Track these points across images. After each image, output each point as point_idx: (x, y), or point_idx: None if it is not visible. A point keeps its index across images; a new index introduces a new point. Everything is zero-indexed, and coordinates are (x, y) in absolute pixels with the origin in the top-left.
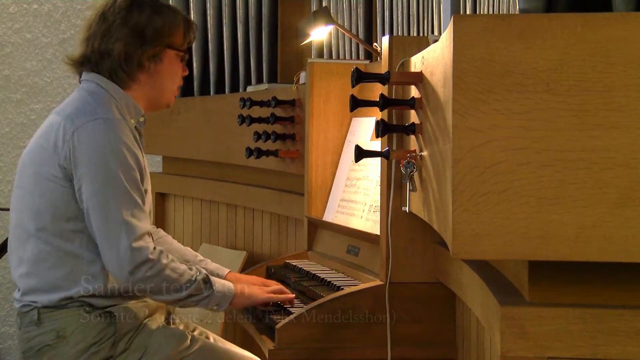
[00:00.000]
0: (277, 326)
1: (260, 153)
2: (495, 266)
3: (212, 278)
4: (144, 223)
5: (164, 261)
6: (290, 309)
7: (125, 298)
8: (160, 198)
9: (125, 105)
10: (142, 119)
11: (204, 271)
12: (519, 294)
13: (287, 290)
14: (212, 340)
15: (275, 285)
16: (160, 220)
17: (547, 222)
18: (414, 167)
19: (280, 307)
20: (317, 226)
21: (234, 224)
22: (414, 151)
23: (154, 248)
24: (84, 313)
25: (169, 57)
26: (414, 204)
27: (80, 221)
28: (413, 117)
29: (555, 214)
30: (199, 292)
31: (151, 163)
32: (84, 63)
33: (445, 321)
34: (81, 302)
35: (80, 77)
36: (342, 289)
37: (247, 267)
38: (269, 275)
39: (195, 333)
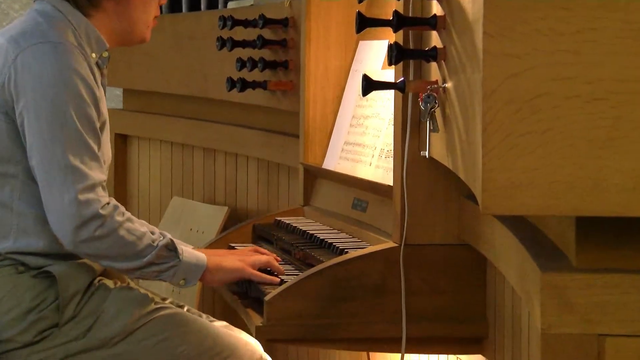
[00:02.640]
0: (267, 298)
1: (244, 85)
2: (535, 224)
3: (179, 245)
4: (97, 172)
5: (118, 219)
6: (283, 278)
7: (66, 257)
8: (121, 141)
9: (85, 34)
10: (105, 54)
11: (168, 236)
12: (564, 257)
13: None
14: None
15: (266, 257)
16: (120, 169)
17: (599, 170)
18: (436, 102)
19: (269, 274)
20: (315, 176)
21: (213, 173)
22: (436, 82)
23: (107, 203)
24: (16, 273)
25: None
26: (435, 148)
27: (14, 164)
28: (434, 39)
29: (610, 159)
30: (162, 260)
31: (110, 97)
32: None
33: (473, 292)
34: (11, 261)
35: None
36: (346, 252)
37: (229, 225)
38: (256, 237)
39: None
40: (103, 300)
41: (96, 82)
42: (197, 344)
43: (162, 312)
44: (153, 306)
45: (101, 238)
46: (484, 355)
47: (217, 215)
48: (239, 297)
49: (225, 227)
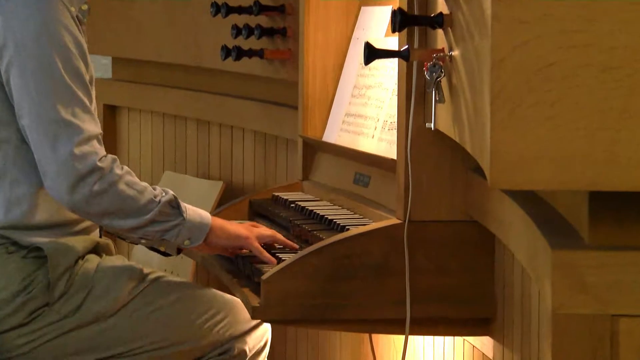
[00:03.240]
0: (264, 277)
1: (240, 53)
2: (546, 199)
3: (182, 202)
4: (91, 125)
5: (118, 171)
6: (281, 256)
7: (56, 231)
8: (110, 112)
9: None
10: (85, 7)
11: (171, 192)
12: (576, 234)
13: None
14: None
15: (271, 231)
16: (109, 141)
17: (614, 142)
18: (442, 72)
19: (268, 251)
20: (315, 149)
21: (207, 147)
22: (442, 50)
23: (105, 155)
24: (6, 254)
25: None
26: (441, 119)
27: (4, 127)
28: (441, 5)
29: (625, 131)
30: (165, 218)
31: (97, 66)
32: None
33: (480, 271)
34: (2, 239)
35: None
36: (348, 229)
37: (224, 201)
38: (252, 213)
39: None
40: (93, 274)
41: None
42: (192, 308)
43: (154, 281)
44: (143, 276)
45: (100, 193)
46: (491, 336)
47: (211, 190)
48: (234, 277)
49: (220, 203)
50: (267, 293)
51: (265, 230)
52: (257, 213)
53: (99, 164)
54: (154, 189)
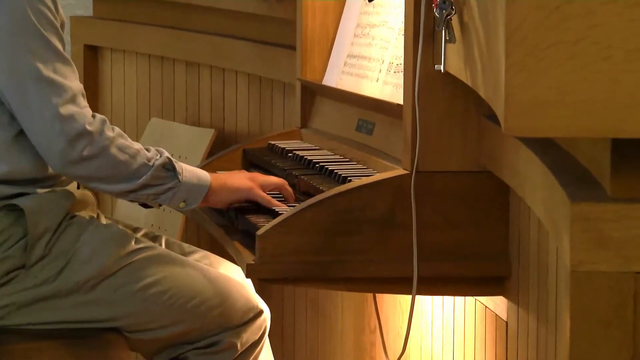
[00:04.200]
0: (259, 232)
1: None
2: (565, 148)
3: (178, 163)
4: (73, 80)
5: (109, 134)
6: (278, 210)
7: (36, 185)
8: (91, 54)
9: None
10: None
11: (165, 153)
12: (597, 185)
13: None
14: (164, 245)
15: (276, 178)
16: (90, 86)
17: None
18: (452, 9)
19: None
20: (314, 93)
21: (197, 91)
22: None
23: (93, 115)
24: None
25: None
26: (451, 61)
27: None
28: None
29: None
30: (159, 181)
31: (77, 3)
32: None
33: (493, 225)
34: None
35: None
36: (350, 180)
37: (216, 150)
38: (247, 163)
39: (140, 234)
40: (77, 238)
41: None
42: (184, 291)
43: (144, 254)
44: (133, 246)
45: (90, 158)
46: (505, 296)
47: (201, 138)
48: (226, 232)
49: (211, 152)
50: (262, 249)
51: (271, 178)
52: (252, 163)
53: (88, 127)
54: (148, 150)
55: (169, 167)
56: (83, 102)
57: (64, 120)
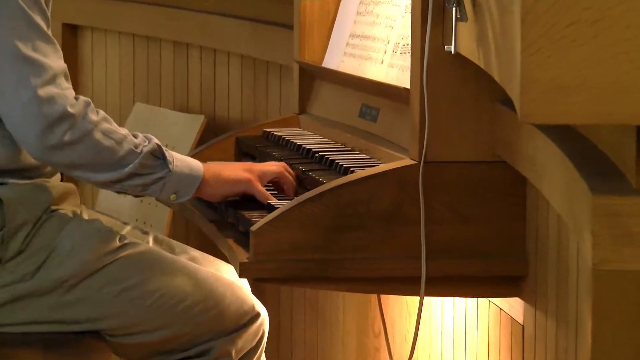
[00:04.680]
0: (253, 228)
1: None
2: (586, 136)
3: (169, 151)
4: (55, 59)
5: (92, 117)
6: (274, 204)
7: (15, 175)
8: (70, 33)
9: None
10: None
11: (154, 140)
12: (621, 177)
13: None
14: (151, 243)
15: (276, 167)
16: (70, 68)
17: None
18: None
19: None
20: (313, 76)
21: (185, 74)
22: None
23: (76, 98)
24: None
25: None
26: (463, 41)
27: None
28: None
29: None
30: (147, 170)
31: None
32: None
33: (509, 220)
34: None
35: None
36: (352, 171)
37: (207, 138)
38: (240, 152)
39: (127, 229)
40: (57, 233)
41: None
42: (172, 292)
43: (129, 251)
44: (118, 243)
45: (72, 144)
46: (522, 298)
47: (191, 125)
48: (218, 228)
49: (201, 140)
50: (257, 247)
51: (270, 166)
52: (245, 153)
53: (69, 109)
54: (135, 136)
55: (158, 155)
56: (65, 83)
57: (42, 102)
